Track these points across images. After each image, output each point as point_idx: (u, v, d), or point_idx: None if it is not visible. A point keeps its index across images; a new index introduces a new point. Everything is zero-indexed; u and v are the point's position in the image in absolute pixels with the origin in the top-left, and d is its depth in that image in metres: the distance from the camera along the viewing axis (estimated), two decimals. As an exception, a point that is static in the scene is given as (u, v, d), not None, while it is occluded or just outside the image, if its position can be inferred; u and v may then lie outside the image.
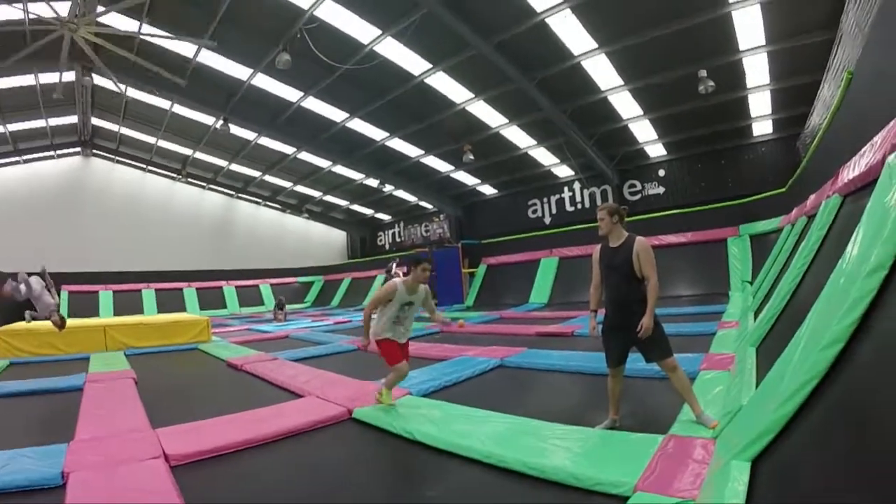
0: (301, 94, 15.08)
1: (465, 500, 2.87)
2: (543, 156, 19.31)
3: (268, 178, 24.60)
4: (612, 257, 3.75)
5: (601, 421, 3.84)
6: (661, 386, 4.54)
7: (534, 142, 17.95)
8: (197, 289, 24.95)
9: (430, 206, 25.66)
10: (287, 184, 25.34)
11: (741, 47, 11.76)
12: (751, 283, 12.22)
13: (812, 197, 7.31)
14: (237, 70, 13.91)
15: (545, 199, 21.95)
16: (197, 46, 12.27)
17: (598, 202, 20.08)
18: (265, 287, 26.49)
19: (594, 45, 11.97)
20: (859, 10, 5.45)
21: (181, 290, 24.48)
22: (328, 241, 31.52)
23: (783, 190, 12.85)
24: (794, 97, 13.41)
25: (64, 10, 9.29)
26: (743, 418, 2.86)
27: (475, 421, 3.99)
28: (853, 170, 4.06)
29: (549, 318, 12.36)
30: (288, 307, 25.10)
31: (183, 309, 22.63)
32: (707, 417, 3.47)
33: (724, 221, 14.87)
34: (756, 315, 6.79)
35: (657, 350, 3.60)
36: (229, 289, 26.08)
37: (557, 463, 3.01)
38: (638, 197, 19.12)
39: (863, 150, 3.78)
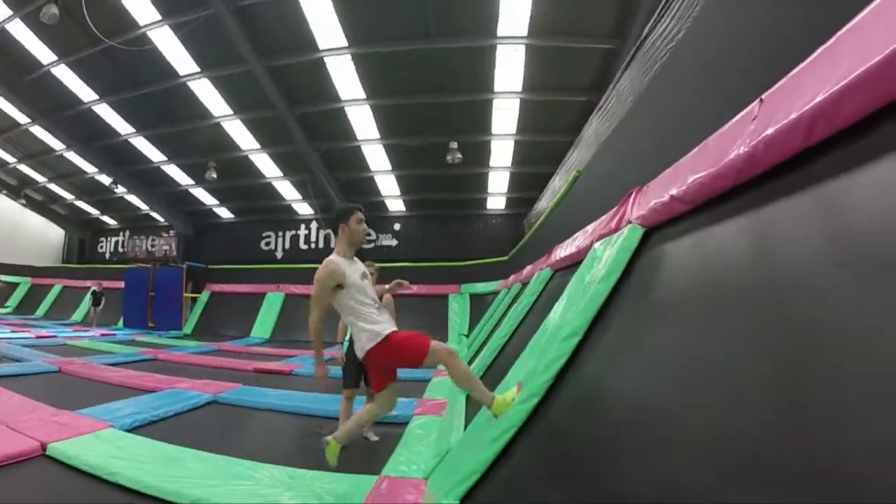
0: (55, 58, 12.24)
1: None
2: (287, 189, 19.03)
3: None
4: None
5: (317, 463, 3.83)
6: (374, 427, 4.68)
7: (280, 173, 17.60)
8: None
9: (161, 219, 22.70)
10: (11, 159, 19.70)
11: (493, 131, 13.59)
12: (467, 336, 13.62)
13: (528, 267, 8.46)
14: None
15: (280, 233, 21.49)
16: None
17: (332, 245, 20.37)
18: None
19: (363, 94, 12.45)
20: (600, 124, 6.67)
21: None
22: (44, 238, 24.98)
23: (505, 258, 14.85)
24: (528, 182, 15.94)
25: None
26: (451, 460, 3.07)
27: (184, 461, 3.55)
28: (565, 249, 4.88)
29: (270, 354, 11.85)
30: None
31: None
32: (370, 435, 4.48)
33: (449, 279, 16.49)
34: (470, 364, 7.49)
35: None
36: None
37: (268, 507, 2.79)
38: (371, 246, 19.99)
39: (576, 234, 4.56)
